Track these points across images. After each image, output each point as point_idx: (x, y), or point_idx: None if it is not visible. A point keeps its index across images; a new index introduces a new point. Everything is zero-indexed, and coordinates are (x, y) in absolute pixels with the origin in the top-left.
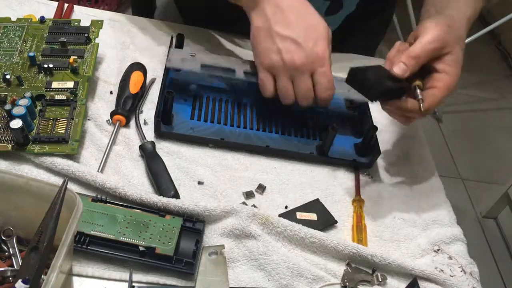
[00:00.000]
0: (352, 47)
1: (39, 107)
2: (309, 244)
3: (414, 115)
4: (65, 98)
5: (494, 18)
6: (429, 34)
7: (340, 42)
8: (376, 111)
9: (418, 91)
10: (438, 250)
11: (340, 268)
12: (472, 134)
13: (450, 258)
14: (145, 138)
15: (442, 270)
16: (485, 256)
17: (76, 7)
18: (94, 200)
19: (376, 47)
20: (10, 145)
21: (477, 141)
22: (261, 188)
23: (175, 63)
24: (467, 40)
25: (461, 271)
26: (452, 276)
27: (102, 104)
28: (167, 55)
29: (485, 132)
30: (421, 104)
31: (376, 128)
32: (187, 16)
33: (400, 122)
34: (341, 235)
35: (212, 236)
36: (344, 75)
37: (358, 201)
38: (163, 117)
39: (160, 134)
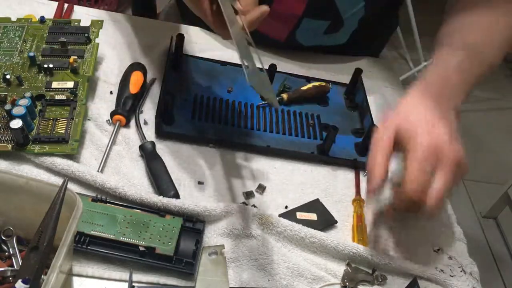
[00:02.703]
0: (356, 54)
1: (39, 107)
2: (309, 244)
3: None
4: (65, 98)
5: None
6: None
7: (346, 52)
8: (377, 110)
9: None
10: (438, 250)
11: (340, 268)
12: (472, 134)
13: (450, 258)
14: (145, 138)
15: (442, 270)
16: (485, 256)
17: (76, 7)
18: (94, 200)
19: (380, 51)
20: (10, 145)
21: (477, 141)
22: (261, 188)
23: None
24: None
25: (461, 271)
26: (452, 276)
27: (102, 104)
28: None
29: (485, 132)
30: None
31: (376, 128)
32: (189, 17)
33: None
34: (341, 235)
35: (212, 236)
36: (348, 76)
37: (358, 201)
38: (164, 117)
39: (161, 134)
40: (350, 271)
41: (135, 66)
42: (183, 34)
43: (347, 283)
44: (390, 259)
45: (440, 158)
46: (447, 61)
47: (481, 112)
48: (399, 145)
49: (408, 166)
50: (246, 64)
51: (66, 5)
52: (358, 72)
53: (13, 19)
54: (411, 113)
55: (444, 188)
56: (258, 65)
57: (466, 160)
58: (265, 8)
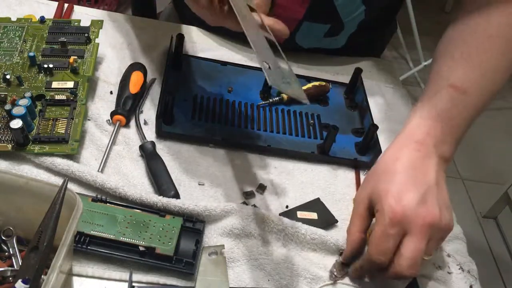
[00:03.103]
0: (355, 56)
1: (39, 107)
2: (310, 241)
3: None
4: (65, 98)
5: None
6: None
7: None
8: (377, 110)
9: None
10: (437, 248)
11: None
12: (472, 134)
13: (448, 256)
14: (145, 138)
15: (440, 267)
16: (485, 256)
17: (76, 7)
18: (94, 200)
19: (379, 55)
20: (10, 145)
21: (477, 141)
22: (262, 188)
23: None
24: None
25: (459, 269)
26: (449, 273)
27: (102, 104)
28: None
29: (485, 132)
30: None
31: (376, 127)
32: (187, 18)
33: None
34: (342, 234)
35: (212, 236)
36: (348, 76)
37: None
38: (164, 117)
39: (161, 134)
40: (339, 261)
41: (135, 66)
42: (183, 34)
43: (335, 273)
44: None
45: (407, 224)
46: (434, 103)
47: None
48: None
49: (373, 230)
50: (266, 63)
51: (66, 5)
52: (358, 72)
53: (13, 19)
54: (384, 176)
55: (413, 254)
56: (281, 64)
57: (446, 219)
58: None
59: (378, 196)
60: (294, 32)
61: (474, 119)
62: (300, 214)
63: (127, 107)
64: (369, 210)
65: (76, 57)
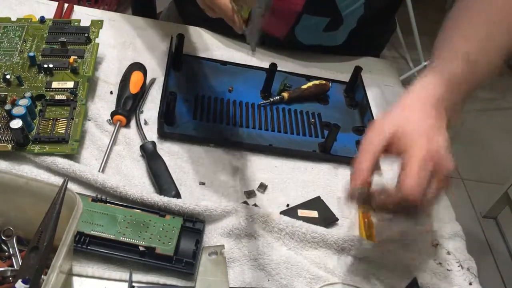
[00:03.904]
0: (355, 55)
1: (39, 107)
2: (311, 240)
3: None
4: (65, 98)
5: None
6: None
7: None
8: (377, 108)
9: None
10: (437, 245)
11: (340, 266)
12: (472, 134)
13: (448, 253)
14: (146, 138)
15: (440, 263)
16: (485, 256)
17: (76, 7)
18: (94, 200)
19: (379, 54)
20: (10, 145)
21: (477, 141)
22: (263, 187)
23: None
24: None
25: (459, 266)
26: (449, 271)
27: (102, 104)
28: None
29: (485, 132)
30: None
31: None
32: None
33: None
34: (343, 232)
35: (212, 236)
36: (348, 75)
37: None
38: (166, 118)
39: (163, 135)
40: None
41: (135, 66)
42: (183, 34)
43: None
44: (390, 251)
45: (438, 164)
46: (448, 68)
47: (481, 112)
48: (390, 150)
49: (407, 166)
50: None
51: (66, 5)
52: (357, 70)
53: (13, 19)
54: (410, 119)
55: (438, 192)
56: None
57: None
58: None
59: (408, 137)
60: (294, 26)
61: (478, 88)
62: (301, 212)
63: (127, 107)
64: (385, 144)
65: (76, 57)
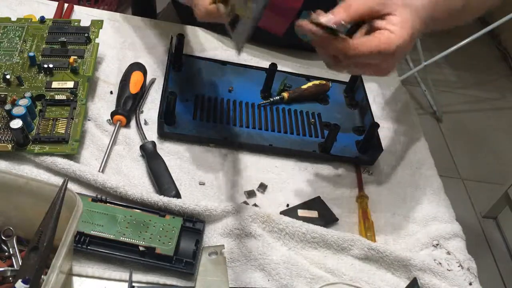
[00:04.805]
0: None
1: (39, 107)
2: (310, 240)
3: (337, 52)
4: (65, 98)
5: (494, 18)
6: None
7: None
8: (376, 108)
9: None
10: (437, 245)
11: (340, 266)
12: (472, 134)
13: (448, 253)
14: (146, 138)
15: (440, 263)
16: (485, 256)
17: (76, 7)
18: (94, 200)
19: None
20: (10, 145)
21: (477, 141)
22: (263, 187)
23: None
24: (466, 40)
25: (459, 266)
26: (449, 270)
27: (102, 104)
28: None
29: (485, 132)
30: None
31: (377, 125)
32: (186, 18)
33: (325, 62)
34: (342, 232)
35: (212, 236)
36: (348, 75)
37: (362, 197)
38: (166, 118)
39: (164, 135)
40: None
41: (135, 66)
42: (183, 34)
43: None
44: (388, 251)
45: (388, 58)
46: None
47: (481, 112)
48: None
49: (373, 41)
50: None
51: (66, 5)
52: None
53: (13, 19)
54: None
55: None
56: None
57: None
58: None
59: (393, 4)
60: (293, 23)
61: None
62: (301, 212)
63: (127, 107)
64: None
65: (76, 57)
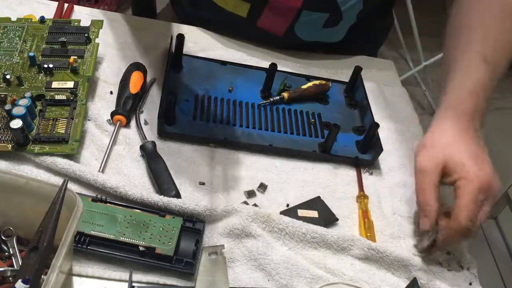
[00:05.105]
0: (355, 51)
1: (39, 107)
2: (311, 240)
3: (453, 232)
4: (65, 98)
5: None
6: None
7: (345, 49)
8: (376, 108)
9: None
10: None
11: (340, 266)
12: None
13: (448, 253)
14: (146, 138)
15: (440, 263)
16: (485, 256)
17: (76, 7)
18: (94, 200)
19: (378, 49)
20: (10, 145)
21: None
22: (263, 186)
23: None
24: None
25: (459, 266)
26: (449, 271)
27: (102, 104)
28: None
29: (485, 132)
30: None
31: (377, 125)
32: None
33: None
34: (343, 232)
35: (212, 236)
36: (348, 75)
37: (362, 197)
38: (166, 118)
39: (163, 134)
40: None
41: (135, 66)
42: (183, 34)
43: (425, 242)
44: (388, 251)
45: (489, 190)
46: (471, 74)
47: None
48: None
49: (461, 196)
50: None
51: (66, 5)
52: (357, 70)
53: (13, 19)
54: (456, 146)
55: (487, 215)
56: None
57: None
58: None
59: (457, 165)
60: (293, 23)
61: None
62: (301, 212)
63: (127, 107)
64: (440, 179)
65: (76, 57)
